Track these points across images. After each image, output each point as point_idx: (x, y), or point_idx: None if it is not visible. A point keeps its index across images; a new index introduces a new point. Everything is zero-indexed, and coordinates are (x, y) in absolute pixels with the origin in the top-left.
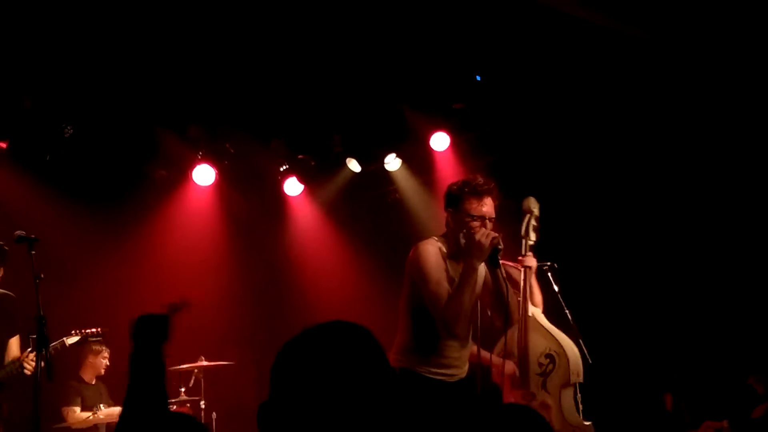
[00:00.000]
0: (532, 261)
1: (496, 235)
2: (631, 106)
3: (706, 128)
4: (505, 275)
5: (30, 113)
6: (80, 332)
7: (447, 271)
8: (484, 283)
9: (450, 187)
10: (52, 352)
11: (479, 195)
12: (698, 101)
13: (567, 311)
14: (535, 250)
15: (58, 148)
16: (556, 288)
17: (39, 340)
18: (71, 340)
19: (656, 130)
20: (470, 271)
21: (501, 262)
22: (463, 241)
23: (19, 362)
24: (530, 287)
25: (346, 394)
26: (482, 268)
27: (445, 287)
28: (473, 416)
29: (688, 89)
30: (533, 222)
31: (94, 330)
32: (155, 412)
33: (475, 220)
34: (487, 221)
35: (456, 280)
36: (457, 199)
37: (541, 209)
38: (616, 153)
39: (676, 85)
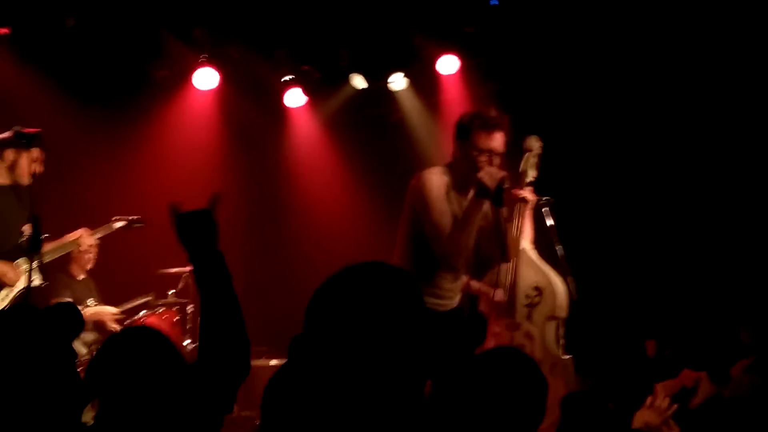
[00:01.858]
0: (529, 195)
1: (503, 173)
2: (642, 45)
3: (708, 71)
4: (507, 214)
5: (33, 1)
6: (123, 218)
7: (450, 202)
8: (485, 217)
9: (461, 117)
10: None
11: (489, 129)
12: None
13: (559, 247)
14: (535, 186)
15: (60, 39)
16: (550, 223)
17: (33, 239)
18: (117, 224)
19: (664, 71)
20: (474, 207)
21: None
22: (468, 174)
23: (72, 242)
24: (524, 221)
25: (381, 333)
26: (485, 204)
27: (447, 219)
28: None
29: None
30: (533, 159)
31: (136, 216)
32: (233, 327)
33: (482, 155)
34: (494, 156)
35: (458, 212)
36: (466, 130)
37: (543, 147)
38: (624, 93)
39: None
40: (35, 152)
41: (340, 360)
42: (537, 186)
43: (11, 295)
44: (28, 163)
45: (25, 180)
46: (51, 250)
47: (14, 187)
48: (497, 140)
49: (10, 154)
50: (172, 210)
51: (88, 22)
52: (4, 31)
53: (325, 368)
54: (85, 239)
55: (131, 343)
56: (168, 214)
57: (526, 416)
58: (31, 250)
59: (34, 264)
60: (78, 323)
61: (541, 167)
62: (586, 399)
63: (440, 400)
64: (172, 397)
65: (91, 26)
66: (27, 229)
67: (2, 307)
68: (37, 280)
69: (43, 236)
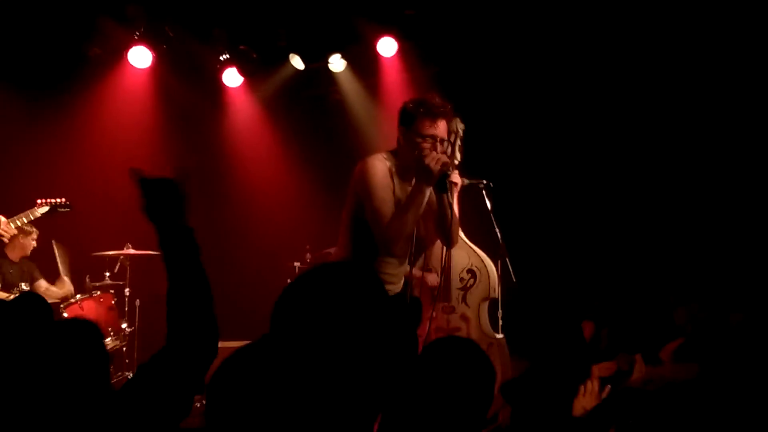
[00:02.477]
0: (456, 178)
1: (447, 160)
2: (579, 20)
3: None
4: (452, 200)
5: None
6: (47, 202)
7: (393, 189)
8: (427, 203)
9: (405, 104)
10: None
11: (433, 116)
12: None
13: (497, 230)
14: (463, 168)
15: None
16: (489, 206)
17: None
18: (41, 210)
19: (597, 46)
20: (417, 194)
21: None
22: (412, 161)
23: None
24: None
25: (347, 332)
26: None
27: (389, 206)
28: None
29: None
30: (458, 142)
31: (60, 200)
32: (201, 302)
33: (426, 141)
34: (438, 143)
35: (401, 199)
36: (411, 117)
37: (465, 129)
38: (559, 72)
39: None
40: None
41: (309, 358)
42: (474, 169)
43: None
44: None
45: None
46: None
47: None
48: (441, 127)
49: None
50: (136, 175)
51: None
52: None
53: (294, 364)
54: (5, 230)
55: (56, 341)
56: (132, 180)
57: (478, 401)
58: None
59: None
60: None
61: (472, 150)
62: (525, 385)
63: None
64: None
65: (21, 4)
66: None
67: None
68: None
69: None
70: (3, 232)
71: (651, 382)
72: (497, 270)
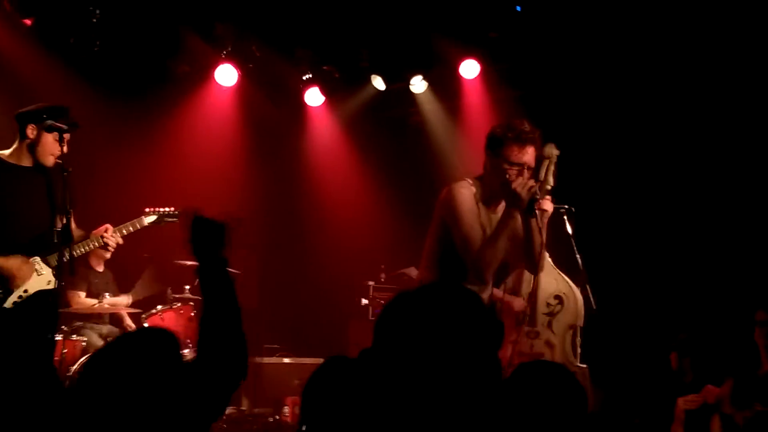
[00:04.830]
0: (548, 205)
1: (534, 184)
2: (666, 51)
3: (726, 79)
4: (541, 224)
5: None
6: (155, 211)
7: (479, 215)
8: (516, 229)
9: (494, 129)
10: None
11: (522, 142)
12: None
13: (578, 255)
14: (553, 194)
15: (84, 32)
16: (569, 231)
17: (63, 233)
18: (149, 219)
19: (687, 76)
20: (508, 220)
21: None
22: (498, 187)
23: (99, 237)
24: (543, 231)
25: (449, 351)
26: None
27: (477, 232)
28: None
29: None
30: (552, 167)
31: (169, 209)
32: (233, 329)
33: (513, 168)
34: (525, 170)
35: (487, 225)
36: (498, 142)
37: (562, 154)
38: (644, 100)
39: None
40: (64, 132)
41: (411, 373)
42: (556, 193)
43: (24, 297)
44: (52, 142)
45: (48, 161)
46: (76, 245)
47: (38, 170)
48: (529, 154)
49: (31, 131)
50: (191, 212)
51: (112, 14)
52: (27, 21)
53: (396, 381)
54: (110, 238)
55: (133, 346)
56: (185, 214)
57: (572, 427)
58: (63, 243)
59: (65, 258)
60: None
61: (559, 175)
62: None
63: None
64: (164, 401)
65: (115, 19)
66: (59, 221)
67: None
68: (52, 283)
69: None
70: (108, 240)
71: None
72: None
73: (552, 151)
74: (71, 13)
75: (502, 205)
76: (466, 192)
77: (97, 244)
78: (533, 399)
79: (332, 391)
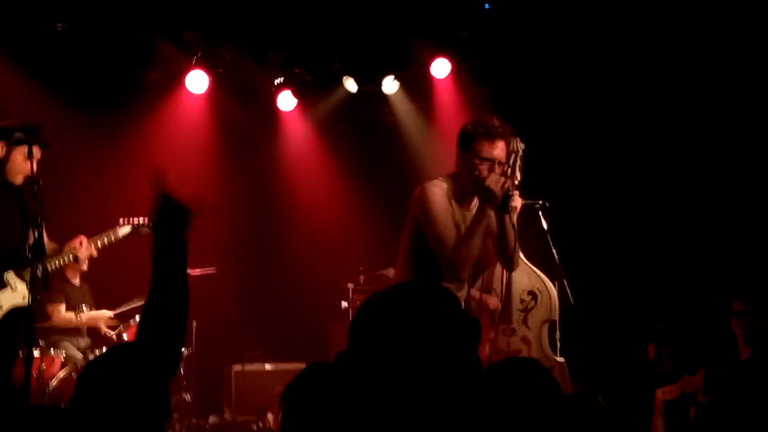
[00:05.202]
0: (517, 200)
1: (507, 180)
2: (636, 46)
3: (698, 73)
4: (515, 222)
5: (23, 3)
6: (128, 221)
7: (453, 213)
8: (489, 226)
9: (464, 126)
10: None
11: (492, 137)
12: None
13: (554, 250)
14: (522, 188)
15: (51, 42)
16: (545, 226)
17: (35, 247)
18: (123, 230)
19: (657, 71)
20: (481, 217)
21: None
22: (470, 184)
23: (69, 251)
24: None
25: (426, 354)
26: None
27: (451, 231)
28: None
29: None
30: (518, 162)
31: (143, 219)
32: (177, 306)
33: (484, 163)
34: (496, 165)
35: (461, 223)
36: (469, 139)
37: (533, 149)
38: (615, 94)
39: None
40: (34, 149)
41: (388, 376)
42: (531, 189)
43: None
44: (21, 160)
45: (17, 179)
46: (50, 259)
47: (6, 187)
48: (500, 149)
49: (0, 149)
50: (161, 185)
51: (79, 24)
52: None
53: (373, 383)
54: (83, 251)
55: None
56: (155, 185)
57: (547, 421)
58: (36, 257)
59: (38, 273)
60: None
61: (527, 170)
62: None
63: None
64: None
65: (82, 29)
66: (31, 235)
67: None
68: (26, 298)
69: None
70: (79, 254)
71: None
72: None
73: (517, 145)
74: (37, 25)
75: (476, 203)
76: (438, 190)
77: (71, 257)
78: (506, 397)
79: (311, 397)
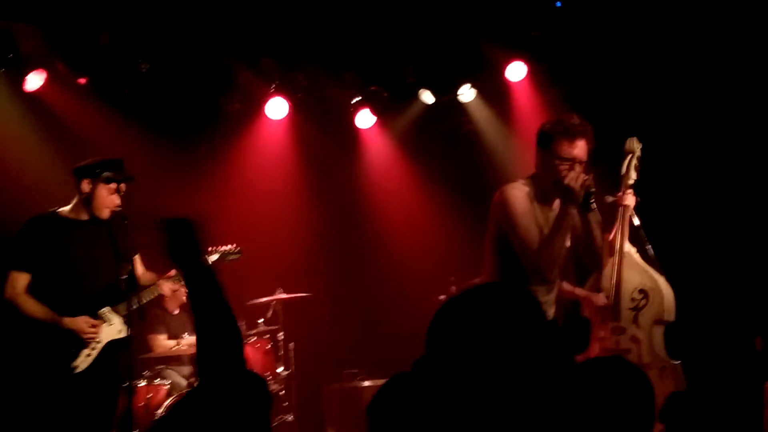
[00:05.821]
0: (630, 199)
1: (587, 177)
2: (714, 41)
3: None
4: (599, 219)
5: (107, 49)
6: (217, 250)
7: (535, 215)
8: (575, 225)
9: (543, 125)
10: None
11: (571, 136)
12: None
13: (648, 247)
14: (635, 188)
15: (136, 83)
16: (637, 223)
17: (129, 281)
18: (211, 258)
19: (737, 66)
20: (564, 216)
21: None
22: (551, 184)
23: (155, 286)
24: (626, 225)
25: (506, 356)
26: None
27: (534, 233)
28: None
29: None
30: (635, 162)
31: (230, 247)
32: (228, 343)
33: (564, 163)
34: (577, 164)
35: (543, 223)
36: (548, 138)
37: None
38: (692, 90)
39: None
40: (116, 184)
41: (468, 380)
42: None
43: (97, 349)
44: (106, 195)
45: (104, 213)
46: (144, 292)
47: (95, 222)
48: (580, 148)
49: (85, 186)
50: (161, 221)
51: (160, 62)
52: (81, 80)
53: (453, 388)
54: (164, 285)
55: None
56: (157, 226)
57: (637, 425)
58: (129, 290)
59: (134, 306)
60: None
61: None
62: (687, 400)
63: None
64: None
65: (163, 66)
66: (123, 269)
67: (88, 365)
68: (123, 332)
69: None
70: (162, 289)
71: None
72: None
73: (634, 145)
74: (122, 68)
75: (558, 203)
76: (518, 193)
77: (165, 290)
78: (591, 394)
79: (394, 408)
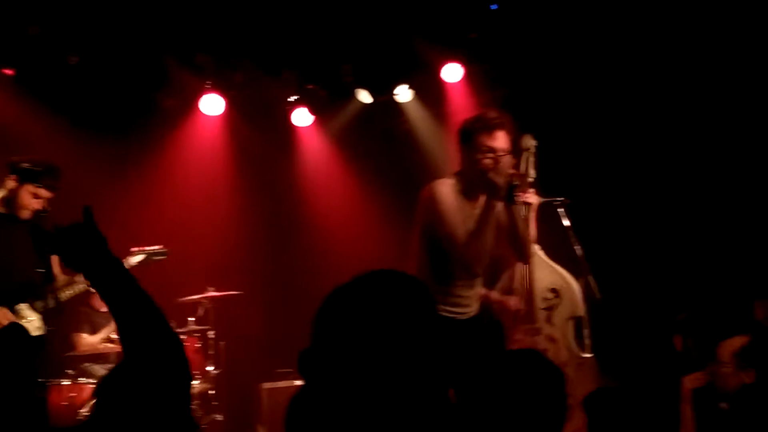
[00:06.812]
0: (532, 197)
1: (512, 171)
2: (646, 42)
3: (707, 70)
4: (524, 211)
5: (36, 40)
6: (142, 250)
7: (461, 210)
8: (499, 218)
9: (463, 123)
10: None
11: (490, 129)
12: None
13: (577, 247)
14: (538, 186)
15: (65, 76)
16: (566, 223)
17: (47, 275)
18: (135, 258)
19: (668, 67)
20: (488, 210)
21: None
22: (476, 178)
23: (81, 281)
24: (530, 223)
25: (393, 342)
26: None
27: (461, 227)
28: (482, 357)
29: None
30: (531, 159)
31: (156, 247)
32: (153, 325)
33: (486, 155)
34: (501, 156)
35: (470, 218)
36: (469, 134)
37: (544, 146)
38: (629, 90)
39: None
40: (42, 190)
41: (354, 372)
42: (550, 187)
43: None
44: (28, 197)
45: (23, 214)
46: (62, 289)
47: (11, 219)
48: (500, 139)
49: (10, 183)
50: (51, 230)
51: (92, 57)
52: (8, 71)
53: (339, 381)
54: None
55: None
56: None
57: (549, 416)
58: (46, 284)
59: (50, 303)
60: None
61: (546, 168)
62: (610, 396)
63: (464, 407)
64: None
65: (95, 61)
66: (41, 264)
67: None
68: (41, 329)
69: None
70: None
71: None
72: (582, 288)
73: (529, 142)
74: (51, 61)
75: (484, 198)
76: (445, 188)
77: (84, 286)
78: (509, 389)
79: (295, 407)
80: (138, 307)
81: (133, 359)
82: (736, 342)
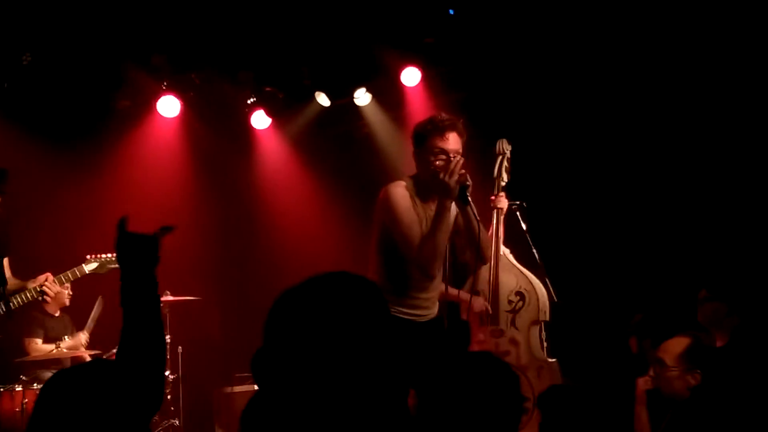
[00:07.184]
0: (503, 202)
1: (462, 172)
2: (607, 41)
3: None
4: (476, 212)
5: None
6: (97, 258)
7: (417, 212)
8: (455, 221)
9: (415, 126)
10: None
11: (441, 131)
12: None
13: (534, 250)
14: (507, 190)
15: (18, 78)
16: (524, 227)
17: None
18: (89, 266)
19: (630, 70)
20: (442, 211)
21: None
22: (429, 180)
23: (38, 287)
24: (500, 227)
25: (345, 344)
26: (453, 206)
27: (416, 229)
28: (440, 360)
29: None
30: (506, 163)
31: (110, 256)
32: (153, 342)
33: (438, 157)
34: (453, 157)
35: (426, 220)
36: (421, 137)
37: (512, 150)
38: (589, 92)
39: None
40: None
41: (304, 374)
42: (509, 191)
43: None
44: None
45: None
46: (13, 295)
47: None
48: (451, 141)
49: None
50: (120, 227)
51: (45, 58)
52: None
53: (290, 384)
54: (49, 288)
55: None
56: (116, 230)
57: (503, 419)
58: None
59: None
60: None
61: (512, 171)
62: (563, 395)
63: (424, 410)
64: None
65: (49, 62)
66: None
67: None
68: None
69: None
70: (47, 290)
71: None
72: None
73: (504, 146)
74: (2, 59)
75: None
76: (400, 190)
77: (34, 294)
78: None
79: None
80: (150, 320)
81: (127, 360)
82: (678, 344)
